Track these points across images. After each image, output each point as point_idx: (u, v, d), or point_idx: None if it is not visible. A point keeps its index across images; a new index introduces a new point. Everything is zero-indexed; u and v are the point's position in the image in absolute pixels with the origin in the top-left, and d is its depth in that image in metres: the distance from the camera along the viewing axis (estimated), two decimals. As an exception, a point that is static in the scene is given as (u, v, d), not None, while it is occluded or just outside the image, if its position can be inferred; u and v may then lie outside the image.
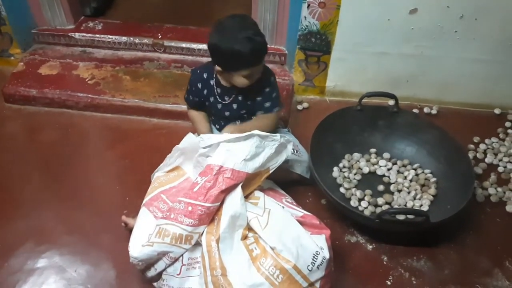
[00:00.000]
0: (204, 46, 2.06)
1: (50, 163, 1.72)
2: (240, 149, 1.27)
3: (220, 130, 1.60)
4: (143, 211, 1.35)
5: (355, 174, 1.67)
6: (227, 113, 1.54)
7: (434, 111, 2.00)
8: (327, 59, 1.92)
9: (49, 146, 1.79)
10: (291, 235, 1.23)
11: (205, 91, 1.52)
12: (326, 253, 1.24)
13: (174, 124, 1.88)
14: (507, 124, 1.96)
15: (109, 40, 2.09)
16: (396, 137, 1.75)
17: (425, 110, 2.01)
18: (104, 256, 1.43)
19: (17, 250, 1.44)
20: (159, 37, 2.09)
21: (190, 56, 2.08)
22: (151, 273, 1.28)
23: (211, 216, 1.23)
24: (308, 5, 1.77)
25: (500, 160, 1.80)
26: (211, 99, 1.53)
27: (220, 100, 1.52)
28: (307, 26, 1.82)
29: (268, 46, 2.01)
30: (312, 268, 1.19)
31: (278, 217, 1.27)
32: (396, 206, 1.56)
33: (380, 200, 1.58)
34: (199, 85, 1.52)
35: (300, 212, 1.35)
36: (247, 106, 1.52)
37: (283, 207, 1.33)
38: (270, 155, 1.33)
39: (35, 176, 1.68)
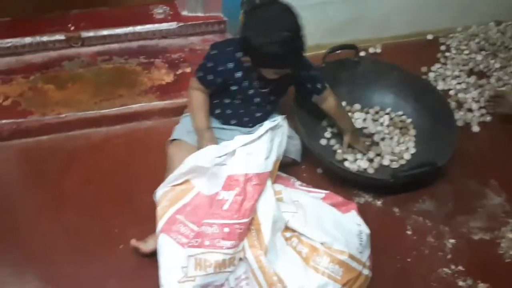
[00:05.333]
0: (131, 29, 1.77)
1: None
2: (258, 150, 1.14)
3: (236, 120, 1.41)
4: (163, 238, 1.15)
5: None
6: (256, 100, 1.35)
7: (378, 50, 2.02)
8: (274, 19, 1.78)
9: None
10: (331, 223, 1.18)
11: (239, 74, 1.28)
12: (365, 228, 1.21)
13: (129, 129, 1.60)
14: (442, 47, 2.06)
15: (8, 44, 1.67)
16: (361, 87, 1.74)
17: (370, 50, 2.01)
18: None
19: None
20: (72, 28, 1.73)
21: (116, 44, 1.76)
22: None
23: (248, 230, 1.11)
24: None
25: (450, 84, 1.90)
26: (245, 83, 1.30)
27: (258, 88, 1.32)
28: (250, -13, 1.65)
29: (201, 15, 1.86)
30: (361, 249, 1.16)
31: (310, 207, 1.20)
32: (386, 156, 1.58)
33: (370, 154, 1.58)
34: (230, 65, 1.27)
35: (320, 193, 1.30)
36: (281, 92, 1.40)
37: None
38: (279, 142, 1.23)
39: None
